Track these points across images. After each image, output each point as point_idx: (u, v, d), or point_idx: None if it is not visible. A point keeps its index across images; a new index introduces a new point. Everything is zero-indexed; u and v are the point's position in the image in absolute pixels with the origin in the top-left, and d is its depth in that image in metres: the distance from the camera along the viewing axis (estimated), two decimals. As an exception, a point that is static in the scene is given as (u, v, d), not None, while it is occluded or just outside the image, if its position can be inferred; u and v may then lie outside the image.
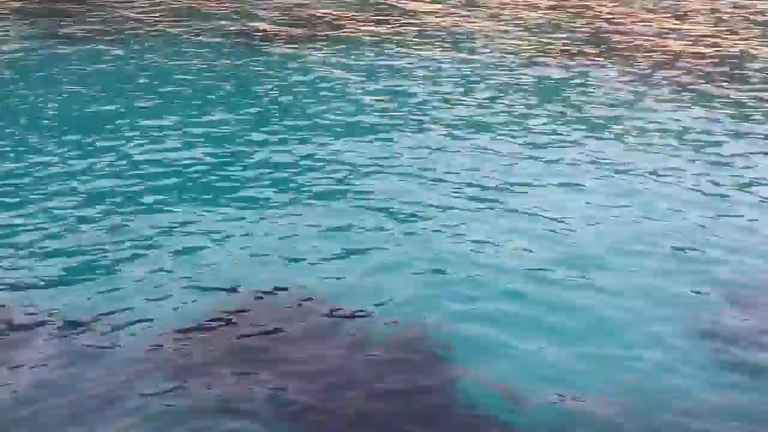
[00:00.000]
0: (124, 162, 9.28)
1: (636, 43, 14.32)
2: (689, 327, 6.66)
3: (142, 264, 7.32)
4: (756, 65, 13.25)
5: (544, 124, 10.67)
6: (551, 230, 8.04)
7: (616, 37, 14.62)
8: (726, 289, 7.18)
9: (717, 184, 9.09)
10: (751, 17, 16.15)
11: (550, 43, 14.22)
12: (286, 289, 7.06)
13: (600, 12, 16.36)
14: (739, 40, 14.61)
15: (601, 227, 8.13)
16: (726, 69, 12.98)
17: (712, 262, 7.57)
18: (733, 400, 5.86)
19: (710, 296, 7.08)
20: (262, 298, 6.94)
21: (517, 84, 12.16)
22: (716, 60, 13.45)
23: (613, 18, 15.91)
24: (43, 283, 7.05)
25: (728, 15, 16.34)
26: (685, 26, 15.33)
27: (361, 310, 6.76)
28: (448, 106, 11.23)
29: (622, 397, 5.87)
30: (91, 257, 7.43)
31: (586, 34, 14.82)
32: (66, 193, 8.53)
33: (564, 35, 14.73)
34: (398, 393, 5.84)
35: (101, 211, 8.19)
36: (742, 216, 8.42)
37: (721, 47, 14.12)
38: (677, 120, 10.88)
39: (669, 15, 16.23)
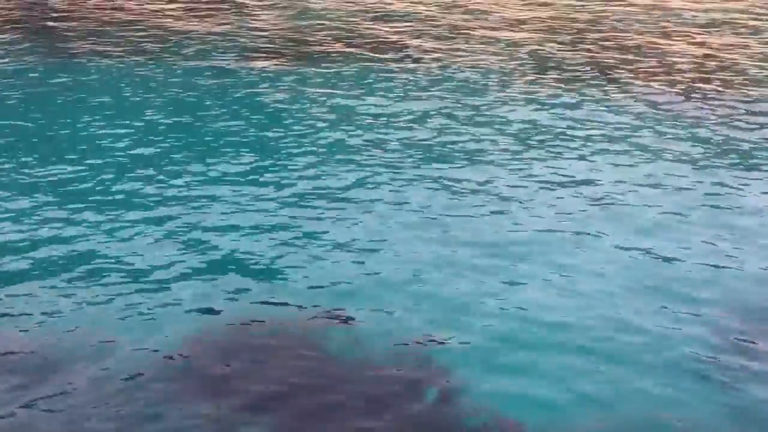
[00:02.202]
0: (115, 178, 9.40)
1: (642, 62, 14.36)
2: (689, 355, 6.68)
3: (127, 284, 7.40)
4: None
5: (541, 143, 10.69)
6: (549, 251, 8.06)
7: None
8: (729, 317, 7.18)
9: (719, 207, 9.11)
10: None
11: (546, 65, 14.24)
12: (282, 305, 7.14)
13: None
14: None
15: (600, 255, 8.12)
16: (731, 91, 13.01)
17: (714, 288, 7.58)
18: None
19: (711, 325, 7.07)
20: (255, 312, 7.04)
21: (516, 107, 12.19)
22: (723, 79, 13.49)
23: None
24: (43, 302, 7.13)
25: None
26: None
27: (358, 324, 6.85)
28: (446, 124, 11.26)
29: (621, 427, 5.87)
30: (87, 274, 7.55)
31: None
32: (67, 216, 8.61)
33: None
34: (395, 415, 5.84)
35: (93, 228, 8.31)
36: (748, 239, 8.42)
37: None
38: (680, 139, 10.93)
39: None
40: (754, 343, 6.78)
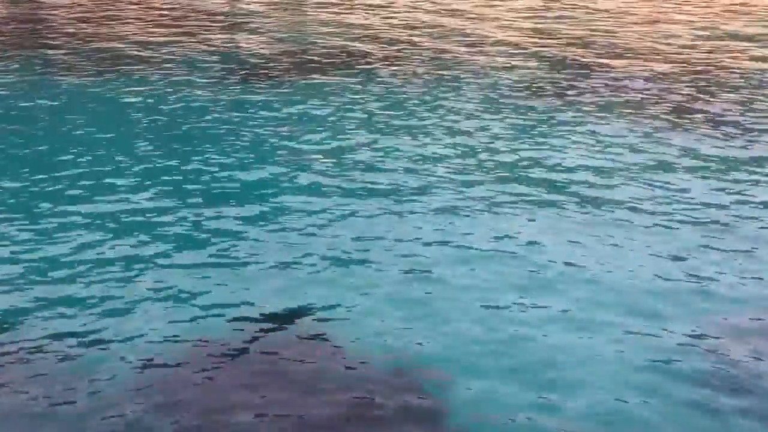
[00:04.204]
0: (112, 195, 9.35)
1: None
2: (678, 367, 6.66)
3: (122, 300, 7.37)
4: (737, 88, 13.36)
5: (531, 158, 10.74)
6: (541, 268, 8.06)
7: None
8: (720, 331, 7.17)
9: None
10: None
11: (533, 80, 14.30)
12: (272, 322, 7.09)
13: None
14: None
15: (587, 267, 8.13)
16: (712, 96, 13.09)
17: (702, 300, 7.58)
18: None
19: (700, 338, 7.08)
20: (237, 328, 6.95)
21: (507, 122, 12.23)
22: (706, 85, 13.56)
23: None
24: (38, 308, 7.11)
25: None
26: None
27: (350, 343, 6.77)
28: (436, 140, 11.29)
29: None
30: (82, 284, 7.51)
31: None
32: (66, 224, 8.59)
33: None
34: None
35: (95, 239, 8.28)
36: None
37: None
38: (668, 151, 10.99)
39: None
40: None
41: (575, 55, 15.94)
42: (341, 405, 6.07)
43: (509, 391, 6.27)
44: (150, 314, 7.16)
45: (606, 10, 19.52)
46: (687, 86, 13.98)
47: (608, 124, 12.06)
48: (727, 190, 9.88)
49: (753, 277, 7.90)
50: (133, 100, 12.57)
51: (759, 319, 7.25)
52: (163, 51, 15.44)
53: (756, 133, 11.75)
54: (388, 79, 14.00)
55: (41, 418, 5.88)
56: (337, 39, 16.68)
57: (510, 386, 6.33)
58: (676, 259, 8.27)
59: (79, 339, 6.81)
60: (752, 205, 9.43)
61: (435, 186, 9.83)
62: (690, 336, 7.00)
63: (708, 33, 17.79)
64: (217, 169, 10.14)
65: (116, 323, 7.03)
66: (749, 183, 10.05)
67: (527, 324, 7.13)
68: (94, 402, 6.05)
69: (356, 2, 19.90)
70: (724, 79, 14.45)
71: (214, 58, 15.11)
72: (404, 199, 9.47)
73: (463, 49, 16.16)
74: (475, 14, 19.24)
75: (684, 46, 16.61)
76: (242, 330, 6.99)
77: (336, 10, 19.08)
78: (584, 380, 6.38)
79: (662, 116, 12.47)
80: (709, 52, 16.26)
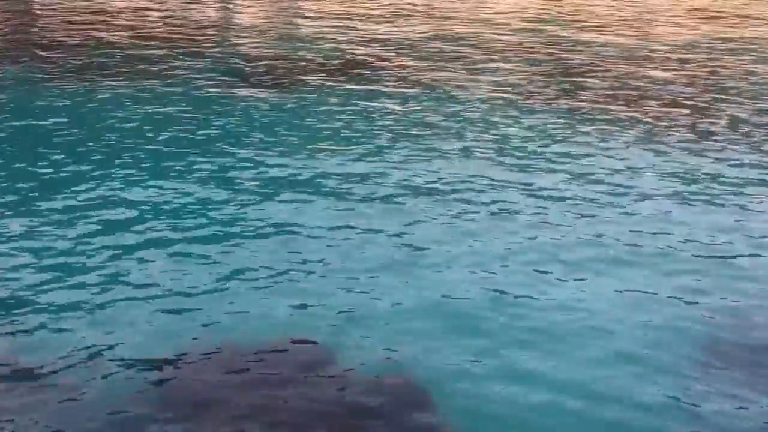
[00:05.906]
0: (98, 204, 9.24)
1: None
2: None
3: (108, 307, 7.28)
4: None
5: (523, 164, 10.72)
6: (536, 270, 8.07)
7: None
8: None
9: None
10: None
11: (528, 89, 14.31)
12: (263, 330, 7.04)
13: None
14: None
15: (587, 271, 8.12)
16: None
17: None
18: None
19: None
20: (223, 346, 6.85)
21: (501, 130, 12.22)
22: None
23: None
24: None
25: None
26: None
27: (338, 354, 6.71)
28: (428, 146, 11.26)
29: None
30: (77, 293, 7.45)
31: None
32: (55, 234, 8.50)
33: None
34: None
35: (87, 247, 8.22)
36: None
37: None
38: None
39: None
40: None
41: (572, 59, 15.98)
42: (335, 410, 6.05)
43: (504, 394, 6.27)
44: (146, 320, 7.09)
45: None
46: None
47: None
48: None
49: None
50: (128, 105, 12.52)
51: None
52: (156, 57, 15.42)
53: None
54: (384, 85, 14.01)
55: (40, 417, 5.87)
56: (334, 45, 16.69)
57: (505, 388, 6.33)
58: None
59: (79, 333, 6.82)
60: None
61: (431, 190, 9.80)
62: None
63: (706, 39, 17.86)
64: (212, 173, 10.09)
65: (111, 324, 7.00)
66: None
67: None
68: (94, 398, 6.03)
69: (353, 9, 19.95)
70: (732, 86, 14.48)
71: (208, 63, 15.09)
72: (397, 205, 9.42)
73: (459, 54, 16.17)
74: (472, 19, 19.26)
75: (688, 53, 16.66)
76: (238, 334, 6.94)
77: (332, 18, 19.10)
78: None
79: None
80: (710, 58, 16.31)
